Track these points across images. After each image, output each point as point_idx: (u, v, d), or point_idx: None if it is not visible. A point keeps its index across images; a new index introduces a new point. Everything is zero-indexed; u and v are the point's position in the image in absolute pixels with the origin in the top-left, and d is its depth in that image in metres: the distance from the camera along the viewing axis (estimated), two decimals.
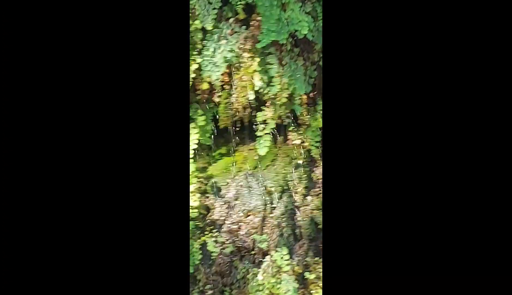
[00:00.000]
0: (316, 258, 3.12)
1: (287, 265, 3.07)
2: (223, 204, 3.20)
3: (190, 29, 3.04)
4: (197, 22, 3.04)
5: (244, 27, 3.06)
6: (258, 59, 3.04)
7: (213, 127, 3.22)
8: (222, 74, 3.05)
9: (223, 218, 3.19)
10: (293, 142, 3.22)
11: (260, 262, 3.12)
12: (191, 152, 3.15)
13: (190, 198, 3.16)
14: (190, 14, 3.04)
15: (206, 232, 3.18)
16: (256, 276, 3.09)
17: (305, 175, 3.21)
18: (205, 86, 3.15)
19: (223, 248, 3.15)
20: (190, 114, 3.20)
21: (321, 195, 3.13)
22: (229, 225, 3.18)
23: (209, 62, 3.01)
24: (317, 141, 3.18)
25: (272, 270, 3.06)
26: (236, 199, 3.21)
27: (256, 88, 3.07)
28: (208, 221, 3.20)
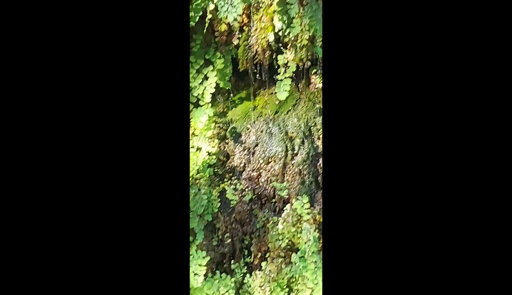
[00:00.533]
0: None
1: (308, 213, 2.98)
2: (243, 150, 3.11)
3: None
4: None
5: None
6: None
7: (232, 70, 3.10)
8: (240, 15, 2.90)
9: (242, 164, 3.10)
10: (316, 86, 3.07)
11: (281, 211, 3.04)
12: (209, 96, 3.05)
13: (209, 143, 3.08)
14: None
15: (225, 179, 3.10)
16: (276, 225, 3.01)
17: None
18: (223, 27, 3.00)
19: (243, 196, 3.08)
20: (209, 57, 3.08)
21: None
22: (249, 172, 3.09)
23: (226, 2, 2.86)
24: None
25: (293, 219, 2.98)
26: (256, 145, 3.10)
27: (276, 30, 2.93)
28: (227, 167, 3.12)
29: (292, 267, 2.97)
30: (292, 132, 3.07)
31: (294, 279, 2.97)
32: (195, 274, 2.98)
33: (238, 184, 3.08)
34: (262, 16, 2.94)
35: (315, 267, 2.89)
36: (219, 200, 3.07)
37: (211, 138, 3.08)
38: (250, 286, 3.03)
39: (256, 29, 2.98)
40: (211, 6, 2.92)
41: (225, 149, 3.12)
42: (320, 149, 3.05)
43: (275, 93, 3.05)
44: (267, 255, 3.04)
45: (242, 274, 3.07)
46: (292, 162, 3.05)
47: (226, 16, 2.86)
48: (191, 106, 3.11)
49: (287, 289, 2.99)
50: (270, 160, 3.07)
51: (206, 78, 3.07)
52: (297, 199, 3.00)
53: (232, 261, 3.09)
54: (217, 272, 3.08)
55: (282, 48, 2.99)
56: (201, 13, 2.93)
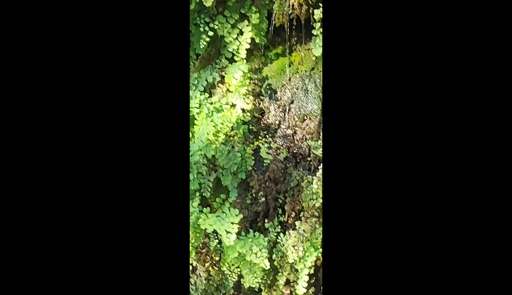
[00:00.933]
0: None
1: None
2: (278, 108, 3.04)
3: None
4: None
5: None
6: None
7: (268, 25, 3.02)
8: None
9: (277, 122, 3.04)
10: None
11: (316, 169, 2.97)
12: (244, 52, 2.98)
13: (243, 100, 3.02)
14: None
15: (259, 137, 3.05)
16: (311, 184, 2.95)
17: None
18: None
19: (277, 154, 3.02)
20: (244, 11, 3.01)
21: None
22: (284, 130, 3.03)
23: None
24: None
25: None
26: (291, 102, 3.04)
27: None
28: (261, 125, 3.06)
29: None
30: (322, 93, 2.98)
31: None
32: (228, 233, 2.95)
33: (273, 141, 3.03)
34: None
35: None
36: (253, 157, 3.03)
37: (245, 95, 3.03)
38: (283, 245, 3.00)
39: None
40: None
41: (260, 106, 3.06)
42: None
43: (312, 49, 2.97)
44: (301, 214, 2.99)
45: (275, 233, 3.04)
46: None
47: None
48: (226, 62, 3.06)
49: (321, 249, 2.94)
50: (305, 118, 3.00)
51: (241, 33, 3.00)
52: None
53: (266, 220, 3.06)
54: (250, 230, 3.05)
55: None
56: None
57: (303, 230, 2.95)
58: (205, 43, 2.99)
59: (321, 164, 2.93)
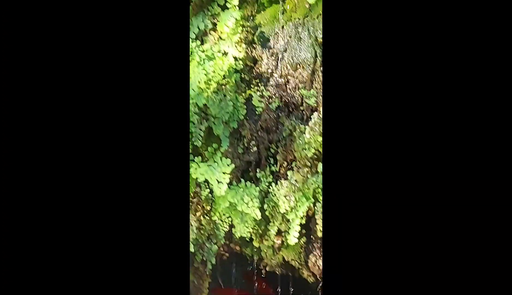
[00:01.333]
0: None
1: None
2: (271, 56, 2.99)
3: None
4: None
5: None
6: None
7: None
8: None
9: (270, 70, 3.00)
10: None
11: (308, 119, 2.94)
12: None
13: (236, 48, 2.97)
14: None
15: (251, 85, 3.01)
16: (303, 134, 2.92)
17: None
18: None
19: (270, 103, 2.98)
20: None
21: None
22: (276, 78, 2.99)
23: None
24: None
25: (320, 128, 2.88)
26: (284, 51, 2.99)
27: None
28: (254, 73, 3.02)
29: (318, 176, 2.90)
30: (322, 38, 2.93)
31: (319, 190, 2.91)
32: (219, 182, 2.94)
33: (265, 90, 2.99)
34: None
35: None
36: (245, 106, 3.00)
37: (238, 42, 2.98)
38: (275, 195, 2.98)
39: None
40: None
41: (252, 54, 3.01)
42: None
43: None
44: (293, 164, 2.97)
45: (267, 183, 3.02)
46: (321, 69, 2.93)
47: None
48: (219, 9, 3.00)
49: (313, 200, 2.93)
50: (298, 66, 2.95)
51: None
52: None
53: (258, 170, 3.03)
54: (242, 180, 3.03)
55: None
56: None
57: (295, 180, 2.93)
58: None
59: (313, 113, 2.91)
